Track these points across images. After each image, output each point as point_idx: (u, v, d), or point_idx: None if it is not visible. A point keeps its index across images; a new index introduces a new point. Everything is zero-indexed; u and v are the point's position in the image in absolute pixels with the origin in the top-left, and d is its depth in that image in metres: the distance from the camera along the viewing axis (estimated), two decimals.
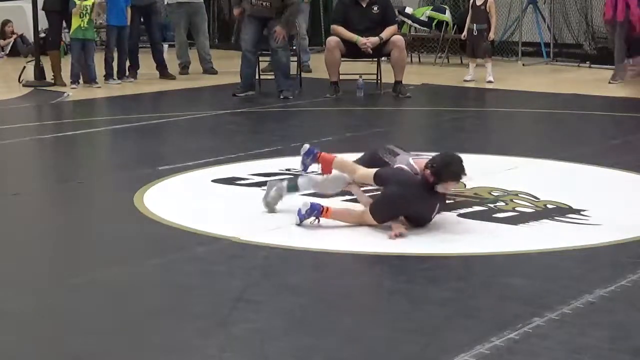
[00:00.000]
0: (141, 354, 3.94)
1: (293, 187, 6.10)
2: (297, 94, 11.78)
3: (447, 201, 6.14)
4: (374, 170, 5.81)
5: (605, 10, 12.80)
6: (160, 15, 14.07)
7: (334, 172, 6.15)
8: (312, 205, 5.67)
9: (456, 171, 5.55)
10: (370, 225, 5.65)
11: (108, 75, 12.81)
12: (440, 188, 5.55)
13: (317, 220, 5.67)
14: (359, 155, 6.32)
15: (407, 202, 5.57)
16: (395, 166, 5.87)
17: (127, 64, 13.10)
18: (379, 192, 5.78)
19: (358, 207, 5.88)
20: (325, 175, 6.17)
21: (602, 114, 10.27)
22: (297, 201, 5.87)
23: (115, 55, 12.87)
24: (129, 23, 12.84)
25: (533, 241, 5.45)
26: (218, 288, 4.70)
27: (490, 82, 12.71)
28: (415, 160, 5.84)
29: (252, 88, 11.73)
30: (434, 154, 5.82)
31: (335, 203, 5.99)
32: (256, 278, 4.86)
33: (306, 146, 6.26)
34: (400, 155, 5.99)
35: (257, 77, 12.03)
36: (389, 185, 5.69)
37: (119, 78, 12.90)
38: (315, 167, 6.21)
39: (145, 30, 13.74)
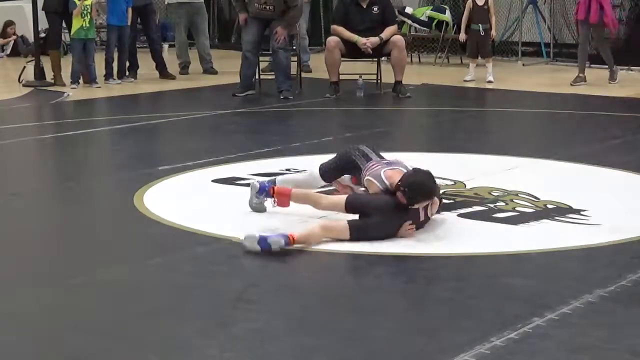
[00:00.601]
0: (141, 354, 3.94)
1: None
2: (297, 94, 11.77)
3: (447, 201, 6.14)
4: (342, 197, 5.64)
5: (578, 9, 12.43)
6: (156, 15, 14.05)
7: (308, 173, 6.11)
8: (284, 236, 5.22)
9: (428, 192, 5.48)
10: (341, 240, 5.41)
11: (108, 75, 12.82)
12: (416, 206, 5.46)
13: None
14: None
15: (392, 230, 5.46)
16: (365, 179, 5.73)
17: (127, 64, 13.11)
18: (359, 220, 5.49)
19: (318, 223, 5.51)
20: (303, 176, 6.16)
21: (602, 114, 10.26)
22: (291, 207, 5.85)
23: (116, 55, 12.87)
24: (129, 23, 12.85)
25: (533, 241, 5.44)
26: (218, 288, 4.70)
27: (490, 82, 12.71)
28: (386, 173, 5.64)
29: (252, 88, 11.73)
30: (405, 162, 5.75)
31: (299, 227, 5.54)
32: (256, 278, 4.86)
33: (256, 184, 5.93)
34: (372, 162, 5.82)
35: (257, 77, 12.03)
36: (369, 214, 5.46)
37: (119, 78, 12.90)
38: (270, 202, 5.87)
39: (142, 30, 13.74)
